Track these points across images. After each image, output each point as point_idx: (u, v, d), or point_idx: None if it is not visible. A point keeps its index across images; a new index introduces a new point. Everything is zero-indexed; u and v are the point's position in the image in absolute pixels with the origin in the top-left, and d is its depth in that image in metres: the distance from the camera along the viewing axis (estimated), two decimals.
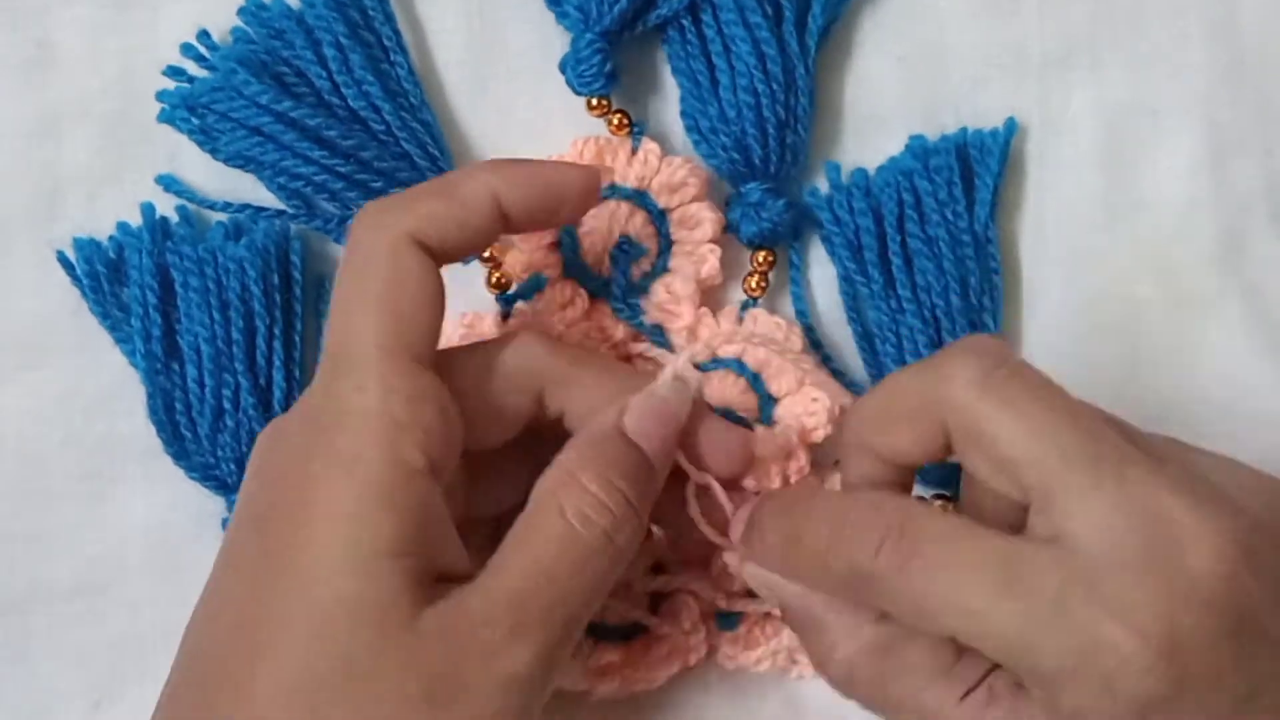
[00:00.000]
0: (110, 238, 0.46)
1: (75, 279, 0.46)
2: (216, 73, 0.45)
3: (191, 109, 0.45)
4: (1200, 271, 0.48)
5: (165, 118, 0.45)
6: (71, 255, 0.46)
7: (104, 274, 0.46)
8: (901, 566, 0.36)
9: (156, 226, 0.46)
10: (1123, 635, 0.33)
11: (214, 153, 0.45)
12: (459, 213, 0.38)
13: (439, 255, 0.39)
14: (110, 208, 0.47)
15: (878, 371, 0.47)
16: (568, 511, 0.37)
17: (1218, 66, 0.48)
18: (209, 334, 0.45)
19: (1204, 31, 0.48)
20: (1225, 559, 0.34)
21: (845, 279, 0.47)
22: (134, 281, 0.45)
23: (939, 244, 0.46)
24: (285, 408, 0.46)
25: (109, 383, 0.47)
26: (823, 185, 0.48)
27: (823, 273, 0.48)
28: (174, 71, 0.46)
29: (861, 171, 0.47)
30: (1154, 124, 0.48)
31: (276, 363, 0.46)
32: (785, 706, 0.47)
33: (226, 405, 0.45)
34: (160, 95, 0.45)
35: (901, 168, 0.47)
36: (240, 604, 0.37)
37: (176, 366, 0.46)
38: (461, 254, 0.40)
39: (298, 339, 0.47)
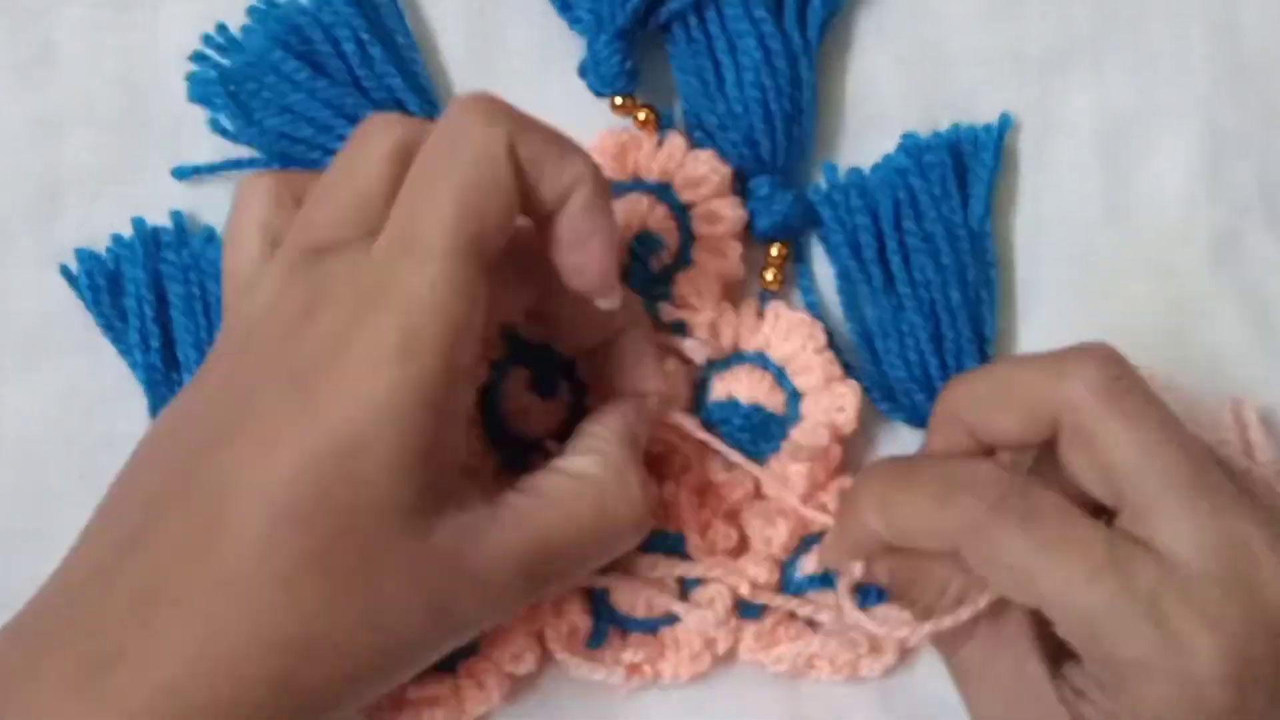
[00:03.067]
0: (108, 249, 0.46)
1: (78, 291, 0.46)
2: (247, 52, 0.46)
3: (224, 85, 0.45)
4: (1198, 272, 0.48)
5: (197, 95, 0.45)
6: (73, 266, 0.46)
7: (104, 286, 0.46)
8: (1020, 523, 0.37)
9: (148, 237, 0.46)
10: (1208, 642, 0.35)
11: (241, 132, 0.45)
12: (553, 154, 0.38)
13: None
14: (110, 208, 0.47)
15: (876, 369, 0.47)
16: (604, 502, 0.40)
17: (1218, 68, 0.48)
18: (195, 340, 0.45)
19: (1205, 33, 0.48)
20: None
21: (843, 277, 0.47)
22: (129, 294, 0.45)
23: (936, 240, 0.46)
24: None
25: (109, 383, 0.47)
26: (823, 185, 0.48)
27: (819, 271, 0.48)
28: (199, 58, 0.46)
29: (857, 171, 0.47)
30: (1153, 125, 0.48)
31: None
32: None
33: None
34: (189, 77, 0.46)
35: (896, 166, 0.47)
36: (239, 414, 0.36)
37: (177, 376, 0.46)
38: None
39: None
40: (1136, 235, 0.48)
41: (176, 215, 0.47)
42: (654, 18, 0.46)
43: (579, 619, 0.45)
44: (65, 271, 0.46)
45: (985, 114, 0.48)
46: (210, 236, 0.47)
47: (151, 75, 0.47)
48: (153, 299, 0.45)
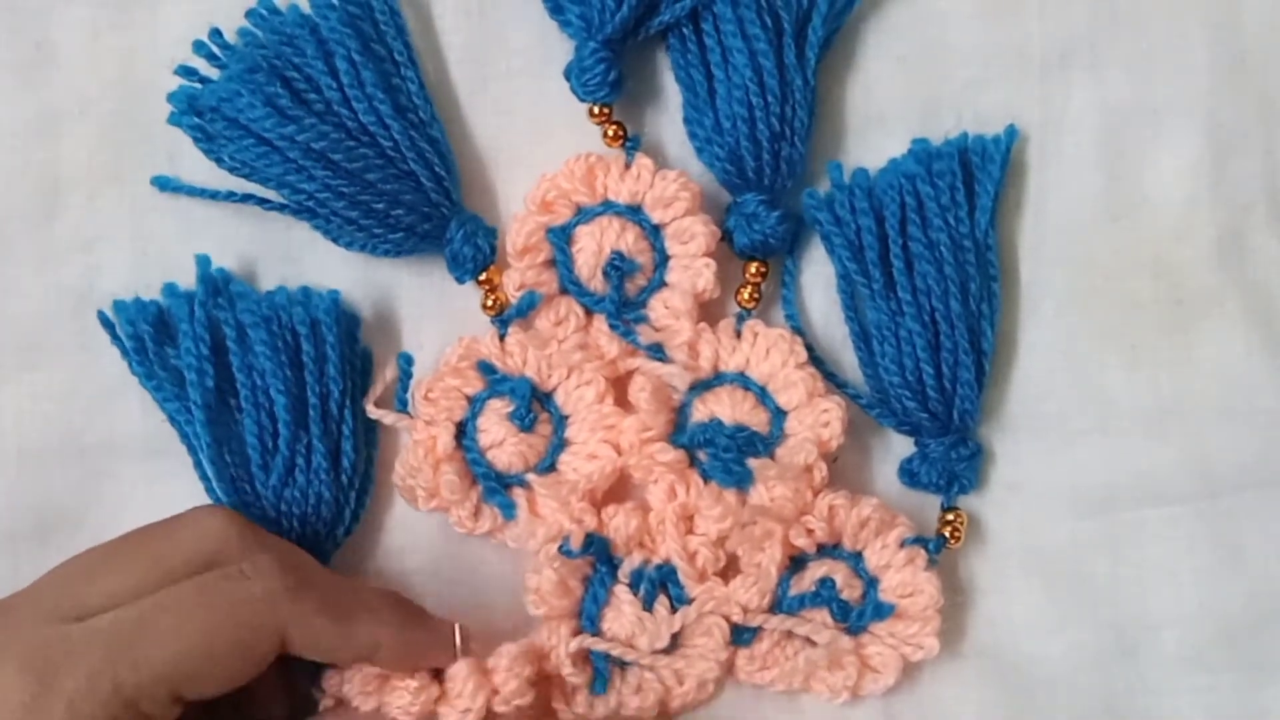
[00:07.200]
0: (153, 301, 0.46)
1: (115, 340, 0.46)
2: (224, 79, 0.45)
3: (198, 113, 0.45)
4: (1200, 270, 0.48)
5: (174, 121, 0.45)
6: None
7: (149, 334, 0.45)
8: None
9: (210, 280, 0.46)
10: None
11: (218, 161, 0.45)
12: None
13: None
14: (110, 208, 0.47)
15: (873, 372, 0.47)
16: None
17: (1218, 66, 0.48)
18: (282, 386, 0.45)
19: (1205, 31, 0.48)
20: None
21: (844, 278, 0.47)
22: (185, 334, 0.44)
23: (940, 248, 0.46)
24: (351, 477, 0.46)
25: (109, 383, 0.47)
26: (823, 187, 0.47)
27: (818, 273, 0.48)
28: (186, 71, 0.46)
29: (863, 172, 0.47)
30: (1154, 123, 0.48)
31: (346, 432, 0.45)
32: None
33: (300, 461, 0.45)
34: (169, 97, 0.45)
35: (904, 170, 0.46)
36: None
37: (226, 419, 0.45)
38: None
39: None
40: (1138, 233, 0.48)
41: (221, 272, 0.46)
42: (644, 29, 0.46)
43: (579, 675, 0.45)
44: (103, 319, 0.46)
45: (987, 114, 0.48)
46: (289, 296, 0.46)
47: (150, 75, 0.47)
48: (208, 339, 0.44)
